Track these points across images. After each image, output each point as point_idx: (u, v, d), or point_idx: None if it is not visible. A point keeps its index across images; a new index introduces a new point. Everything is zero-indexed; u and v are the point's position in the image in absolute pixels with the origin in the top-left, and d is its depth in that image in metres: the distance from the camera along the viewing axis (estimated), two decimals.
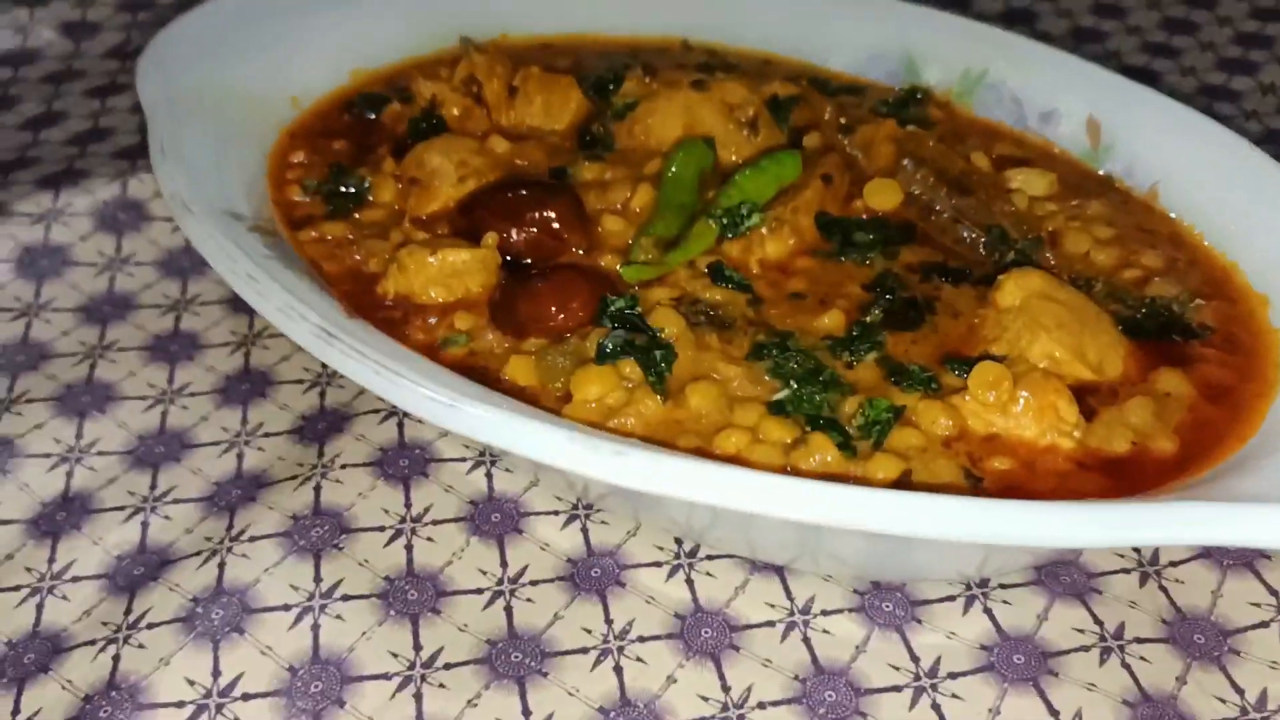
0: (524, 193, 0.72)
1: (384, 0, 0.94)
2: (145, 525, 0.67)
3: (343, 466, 0.70)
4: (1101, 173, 0.80)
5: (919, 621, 0.60)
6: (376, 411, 0.73)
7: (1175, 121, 0.77)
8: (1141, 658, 0.58)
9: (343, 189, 0.78)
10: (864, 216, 0.76)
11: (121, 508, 0.68)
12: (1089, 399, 0.61)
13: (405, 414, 0.72)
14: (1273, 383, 0.63)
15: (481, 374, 0.64)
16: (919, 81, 0.89)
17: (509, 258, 0.71)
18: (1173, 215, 0.75)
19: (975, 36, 0.87)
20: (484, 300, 0.69)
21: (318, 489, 0.68)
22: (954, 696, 0.57)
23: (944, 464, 0.58)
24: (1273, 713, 0.57)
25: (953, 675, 0.58)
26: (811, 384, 0.62)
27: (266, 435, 0.72)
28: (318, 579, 0.63)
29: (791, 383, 0.62)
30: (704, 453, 0.58)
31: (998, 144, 0.83)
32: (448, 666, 0.59)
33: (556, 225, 0.71)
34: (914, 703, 0.56)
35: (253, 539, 0.65)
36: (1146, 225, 0.75)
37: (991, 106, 0.85)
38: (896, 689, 0.57)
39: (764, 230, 0.72)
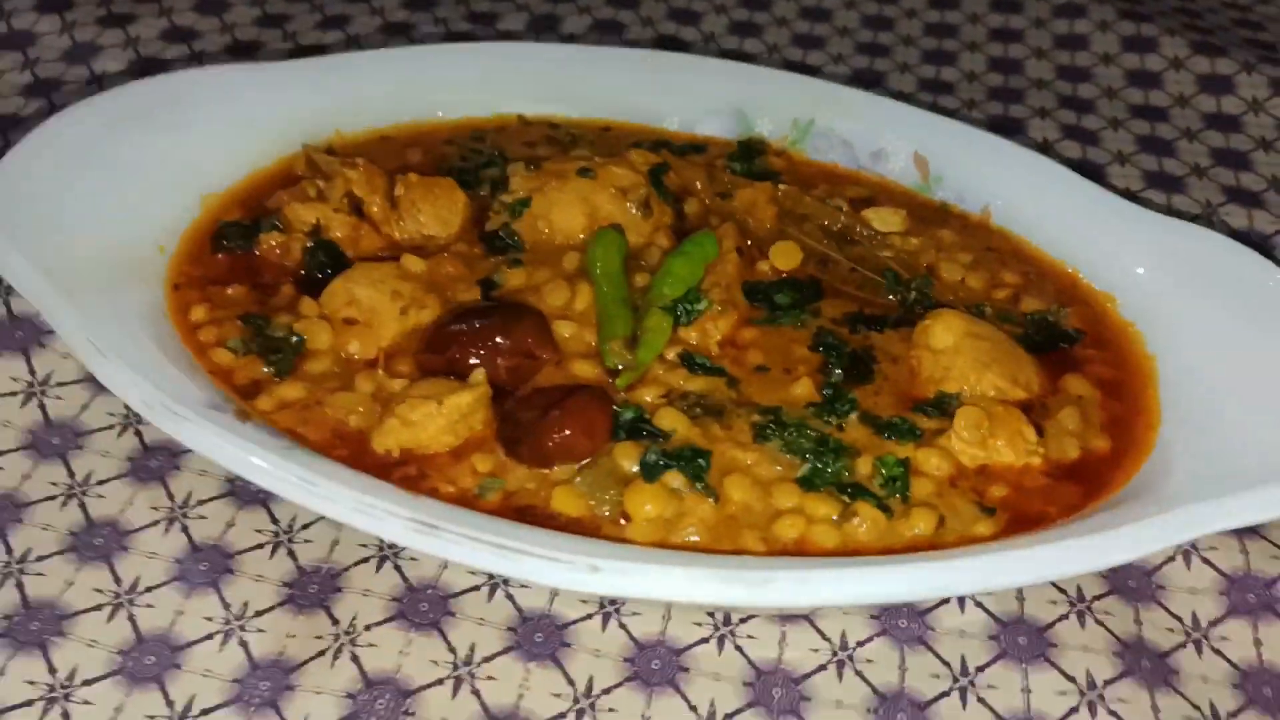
0: (494, 321, 0.73)
1: (208, 115, 0.88)
2: None
3: (367, 628, 0.69)
4: (937, 200, 0.92)
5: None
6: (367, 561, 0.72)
7: (986, 150, 0.91)
8: None
9: (272, 339, 0.74)
10: (774, 279, 0.83)
11: None
12: (1030, 418, 0.73)
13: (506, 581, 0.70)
14: (1148, 371, 0.78)
15: (530, 513, 0.66)
16: (753, 133, 0.97)
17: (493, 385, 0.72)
18: (1009, 232, 0.89)
19: (798, 88, 0.96)
20: (489, 436, 0.70)
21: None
22: None
23: (960, 503, 0.68)
24: None
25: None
26: (824, 454, 0.69)
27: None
28: None
29: (806, 456, 0.69)
30: (771, 542, 0.64)
31: (841, 186, 0.93)
32: None
33: (531, 345, 0.73)
34: None
35: None
36: (991, 245, 0.88)
37: (825, 151, 0.95)
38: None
39: (712, 312, 0.77)
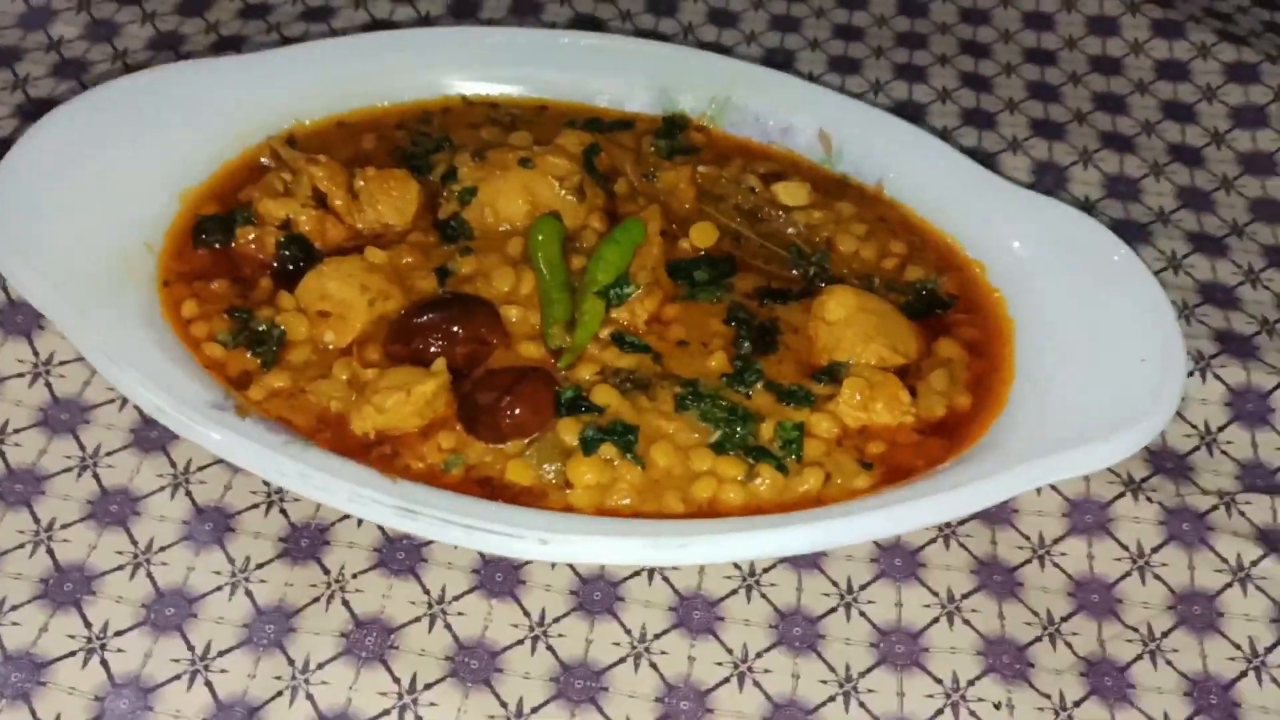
0: (451, 314, 0.85)
1: (180, 112, 0.96)
2: None
3: (354, 576, 0.82)
4: (838, 173, 1.03)
5: None
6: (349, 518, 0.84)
7: (883, 127, 1.02)
8: None
9: (257, 333, 0.85)
10: (693, 256, 0.95)
11: None
12: (908, 380, 0.87)
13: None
14: (1008, 333, 0.91)
15: (489, 484, 0.79)
16: (676, 110, 1.07)
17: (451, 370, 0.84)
18: (899, 202, 1.01)
19: (716, 66, 1.06)
20: (450, 416, 0.82)
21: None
22: None
23: (844, 459, 0.82)
24: None
25: None
26: (734, 422, 0.82)
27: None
28: None
29: (719, 424, 0.82)
30: (689, 502, 0.78)
31: (754, 160, 1.04)
32: None
33: (484, 333, 0.84)
34: None
35: None
36: (884, 216, 1.00)
37: (740, 126, 1.06)
38: None
39: (640, 294, 0.89)
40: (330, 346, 0.86)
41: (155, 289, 0.87)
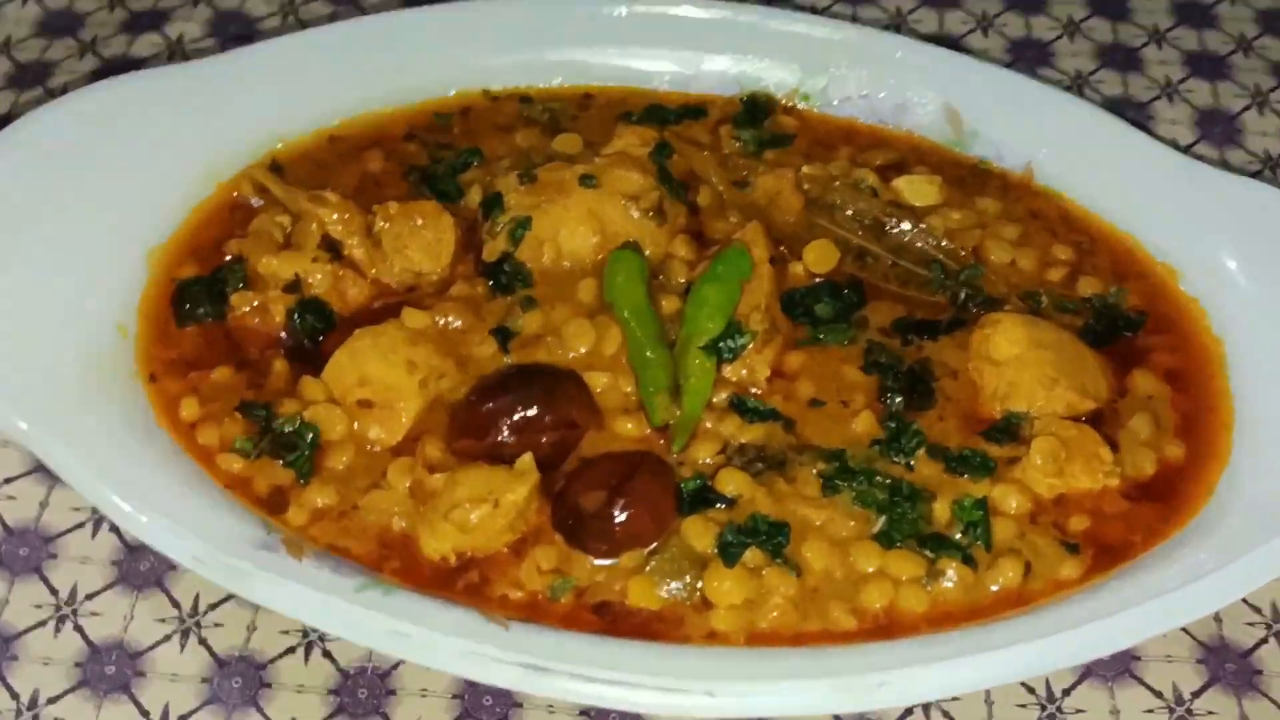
0: (532, 395, 0.86)
1: (126, 141, 0.96)
2: None
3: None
4: (972, 158, 1.06)
5: None
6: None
7: (1033, 100, 1.05)
8: None
9: (283, 435, 0.86)
10: (810, 284, 0.97)
11: None
12: (1102, 430, 0.90)
13: None
14: (1213, 353, 0.94)
15: (608, 610, 0.81)
16: (758, 88, 1.08)
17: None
18: (1054, 192, 1.03)
19: (806, 29, 1.08)
20: (543, 524, 0.84)
21: None
22: None
23: (1042, 542, 0.84)
24: None
25: None
26: (899, 504, 0.85)
27: None
28: None
29: (881, 509, 0.84)
30: (861, 614, 0.81)
31: (864, 150, 1.06)
32: None
33: (573, 414, 0.86)
34: None
35: None
36: (1037, 211, 1.03)
37: (842, 105, 1.08)
38: None
39: (756, 343, 0.91)
40: (378, 447, 0.87)
41: (141, 387, 0.88)
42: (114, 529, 0.90)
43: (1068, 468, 0.87)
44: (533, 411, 0.86)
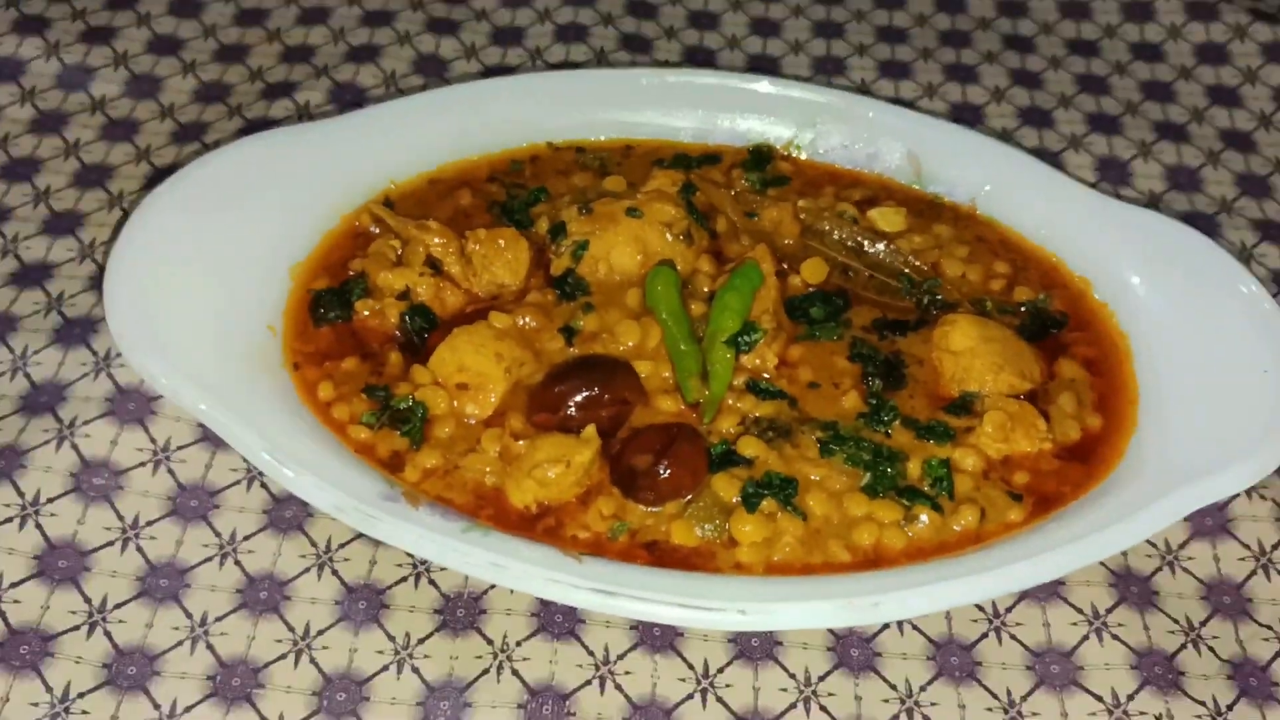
0: (595, 378, 0.85)
1: (273, 184, 0.94)
2: None
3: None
4: (929, 194, 1.04)
5: None
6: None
7: (976, 148, 1.03)
8: None
9: (399, 411, 0.84)
10: (805, 293, 0.95)
11: None
12: (1036, 405, 0.88)
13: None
14: (1120, 346, 0.93)
15: (655, 548, 0.80)
16: (761, 140, 1.06)
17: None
18: (995, 221, 1.02)
19: (793, 98, 1.06)
20: (604, 480, 0.83)
21: None
22: None
23: (994, 493, 0.83)
24: None
25: None
26: (881, 463, 0.83)
27: None
28: None
29: (867, 467, 0.83)
30: (854, 550, 0.80)
31: (845, 187, 1.05)
32: None
33: (626, 394, 0.85)
34: None
35: None
36: (981, 235, 1.01)
37: (827, 154, 1.06)
38: None
39: (766, 339, 0.89)
40: (472, 420, 0.85)
41: (287, 374, 0.86)
42: (264, 485, 0.88)
43: (1012, 435, 0.86)
44: (594, 392, 0.84)
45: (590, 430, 0.83)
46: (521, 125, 1.05)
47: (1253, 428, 0.82)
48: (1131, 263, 0.95)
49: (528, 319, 0.91)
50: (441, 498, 0.81)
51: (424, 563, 0.85)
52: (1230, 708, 0.80)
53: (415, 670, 0.80)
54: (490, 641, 0.81)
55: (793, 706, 0.79)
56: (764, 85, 1.06)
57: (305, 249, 0.95)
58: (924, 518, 0.81)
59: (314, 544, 0.86)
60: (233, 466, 0.90)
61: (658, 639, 0.81)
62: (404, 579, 0.84)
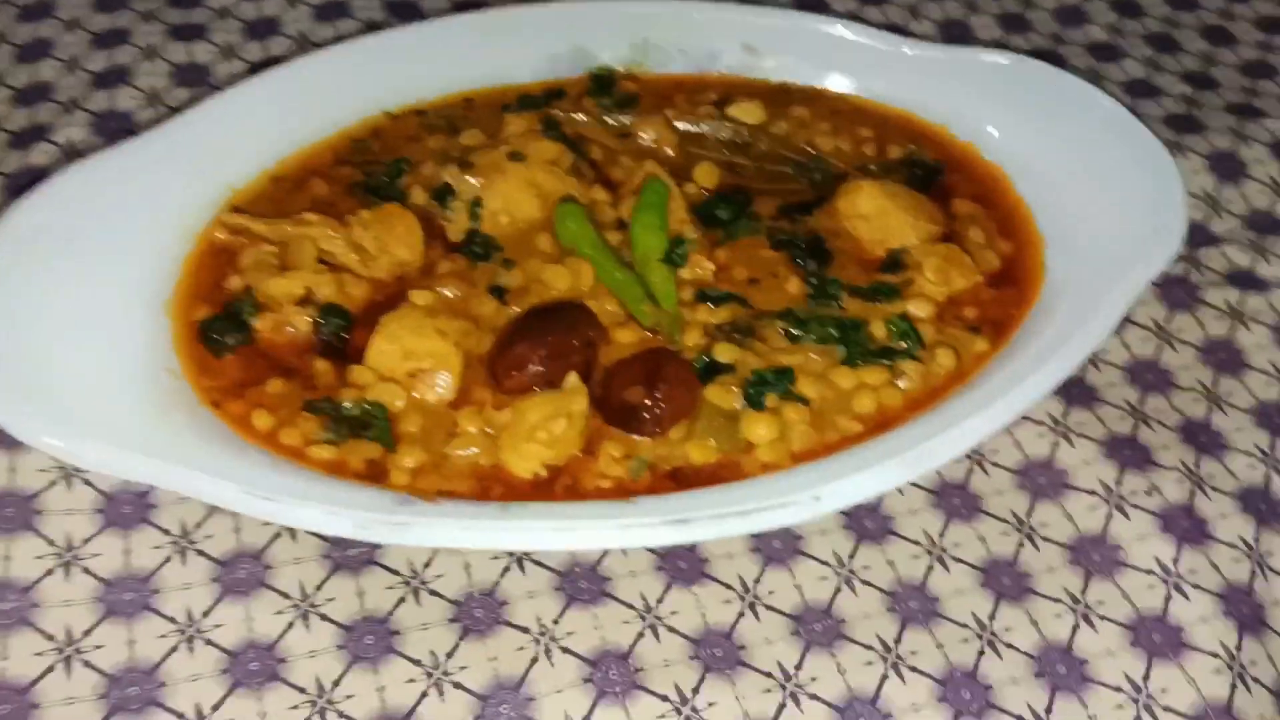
0: (556, 325, 0.79)
1: (109, 220, 0.81)
2: None
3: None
4: (775, 82, 1.04)
5: None
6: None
7: (805, 28, 1.03)
8: None
9: (355, 418, 0.75)
10: (704, 199, 0.93)
11: None
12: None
13: None
14: (997, 173, 0.97)
15: (679, 475, 0.76)
16: (599, 66, 1.03)
17: None
18: (843, 94, 1.03)
19: (623, 12, 1.03)
20: (599, 425, 0.78)
21: None
22: None
23: (955, 332, 0.85)
24: None
25: None
26: (848, 334, 0.83)
27: None
28: None
29: (838, 342, 0.83)
30: (863, 419, 0.79)
31: (696, 92, 1.03)
32: None
33: (591, 335, 0.80)
34: None
35: None
36: (835, 108, 1.02)
37: (666, 64, 1.04)
38: None
39: (694, 248, 0.87)
40: (435, 404, 0.78)
41: (210, 412, 0.75)
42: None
43: (950, 276, 0.88)
44: (559, 339, 0.79)
45: (573, 378, 0.77)
46: (352, 100, 0.96)
47: (1145, 216, 0.89)
48: (984, 101, 0.99)
49: (449, 290, 0.83)
50: (444, 491, 0.73)
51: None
52: (1084, 593, 0.79)
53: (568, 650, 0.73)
54: (526, 630, 0.75)
55: (839, 591, 0.78)
56: (591, 7, 1.02)
57: (169, 280, 0.82)
58: (909, 371, 0.82)
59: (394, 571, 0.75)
60: (40, 467, 0.78)
61: (684, 572, 0.78)
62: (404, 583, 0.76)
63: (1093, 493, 0.84)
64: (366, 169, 0.93)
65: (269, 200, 0.90)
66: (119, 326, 0.77)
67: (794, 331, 0.84)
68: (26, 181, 0.97)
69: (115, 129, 1.06)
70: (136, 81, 1.10)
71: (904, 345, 0.84)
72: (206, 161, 0.88)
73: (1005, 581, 0.79)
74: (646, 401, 0.77)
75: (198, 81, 1.12)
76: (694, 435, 0.78)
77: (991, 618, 0.77)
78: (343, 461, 0.74)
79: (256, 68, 1.13)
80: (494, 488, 0.74)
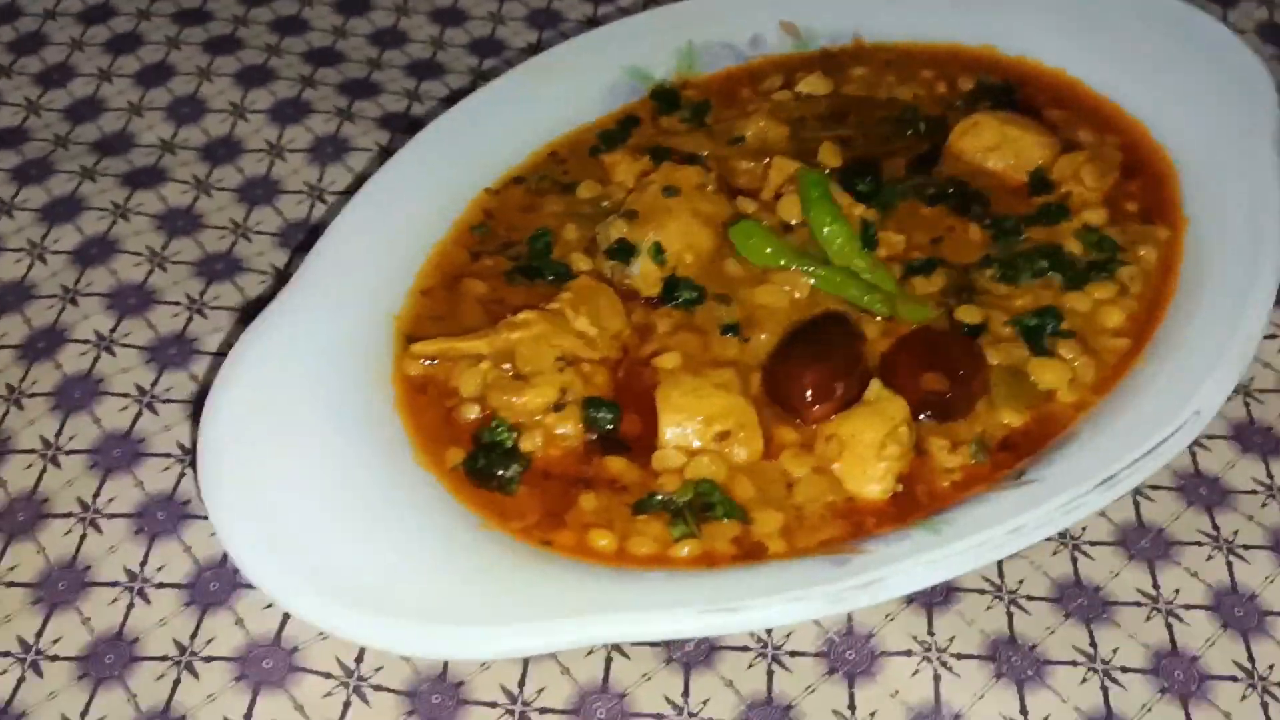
0: (833, 341, 0.77)
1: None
2: None
3: None
4: (816, 51, 1.03)
5: None
6: None
7: None
8: None
9: (686, 504, 0.69)
10: (834, 176, 0.91)
11: None
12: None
13: None
14: (1069, 80, 0.99)
15: (1008, 443, 0.75)
16: (657, 83, 0.98)
17: None
18: (883, 44, 1.03)
19: (667, 23, 1.00)
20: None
21: None
22: None
23: (1136, 228, 0.86)
24: None
25: None
26: (1057, 258, 0.84)
27: None
28: None
29: (1058, 270, 0.83)
30: (1128, 334, 0.80)
31: (757, 83, 1.00)
32: None
33: (858, 346, 0.78)
34: None
35: None
36: (887, 59, 1.02)
37: (716, 63, 1.00)
38: None
39: (883, 226, 0.86)
40: (755, 455, 0.73)
41: (547, 554, 0.67)
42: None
43: (1096, 177, 0.90)
44: (843, 354, 0.76)
45: (874, 386, 0.74)
46: (449, 190, 0.88)
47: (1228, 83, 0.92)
48: (1045, 28, 1.00)
49: (685, 347, 0.78)
50: (806, 549, 0.69)
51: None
52: None
53: None
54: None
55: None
56: (625, 24, 0.99)
57: (400, 437, 0.73)
58: (1126, 277, 0.84)
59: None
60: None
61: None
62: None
63: None
64: (509, 253, 0.86)
65: (432, 318, 0.81)
66: (405, 516, 0.68)
67: (1006, 271, 0.84)
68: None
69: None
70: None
71: (1105, 253, 0.86)
72: (364, 302, 0.78)
73: None
74: (956, 386, 0.75)
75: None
76: (997, 402, 0.77)
77: None
78: (711, 551, 0.69)
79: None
80: (865, 520, 0.70)
